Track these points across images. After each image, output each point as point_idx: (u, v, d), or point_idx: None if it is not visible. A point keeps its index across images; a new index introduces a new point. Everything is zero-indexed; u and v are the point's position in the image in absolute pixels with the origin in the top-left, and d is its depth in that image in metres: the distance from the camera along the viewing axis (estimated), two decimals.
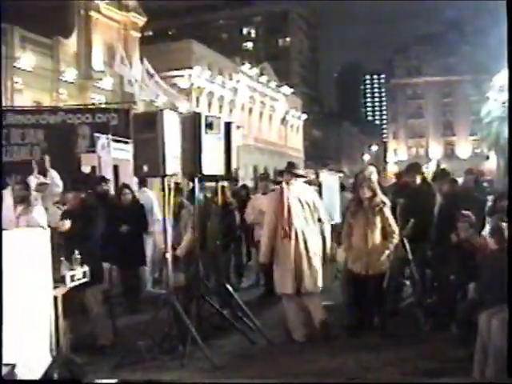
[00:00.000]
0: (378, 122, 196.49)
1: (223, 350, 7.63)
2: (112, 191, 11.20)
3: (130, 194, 10.44)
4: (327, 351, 7.36)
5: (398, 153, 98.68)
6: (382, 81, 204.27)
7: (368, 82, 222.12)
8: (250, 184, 25.13)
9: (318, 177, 13.84)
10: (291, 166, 8.35)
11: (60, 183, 10.00)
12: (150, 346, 7.29)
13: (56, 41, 40.41)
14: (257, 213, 10.72)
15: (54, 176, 10.13)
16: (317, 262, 7.99)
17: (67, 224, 7.43)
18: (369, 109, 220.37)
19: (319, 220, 8.12)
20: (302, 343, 7.75)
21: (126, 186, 10.62)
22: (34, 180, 9.25)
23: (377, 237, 7.96)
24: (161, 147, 7.14)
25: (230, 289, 8.68)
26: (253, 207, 11.27)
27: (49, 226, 6.61)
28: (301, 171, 8.45)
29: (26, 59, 37.06)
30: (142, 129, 7.38)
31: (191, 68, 57.05)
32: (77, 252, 6.74)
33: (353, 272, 8.12)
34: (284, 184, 8.07)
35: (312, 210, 8.05)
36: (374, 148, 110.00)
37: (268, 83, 75.13)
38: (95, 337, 7.79)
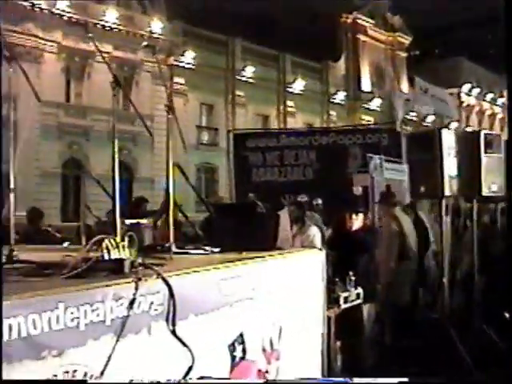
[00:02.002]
0: None
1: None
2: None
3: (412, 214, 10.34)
4: None
5: None
6: None
7: None
8: None
9: None
10: None
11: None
12: (419, 371, 7.04)
13: (325, 64, 42.02)
14: None
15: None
16: None
17: None
18: None
19: None
20: None
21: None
22: None
23: None
24: (439, 168, 6.95)
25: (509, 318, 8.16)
26: None
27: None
28: None
29: (297, 84, 38.88)
30: (417, 149, 7.28)
31: (460, 86, 55.60)
32: (351, 273, 6.72)
33: None
34: None
35: None
36: None
37: None
38: (363, 358, 7.70)
